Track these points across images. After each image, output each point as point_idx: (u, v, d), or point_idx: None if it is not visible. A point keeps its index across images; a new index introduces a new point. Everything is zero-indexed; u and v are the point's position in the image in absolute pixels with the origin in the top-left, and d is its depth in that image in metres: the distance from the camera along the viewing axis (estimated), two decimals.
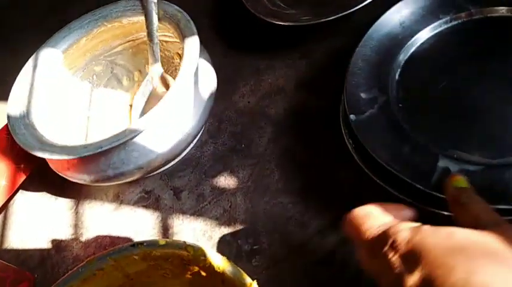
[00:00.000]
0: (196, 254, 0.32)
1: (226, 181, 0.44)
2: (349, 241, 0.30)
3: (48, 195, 0.50)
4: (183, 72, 0.41)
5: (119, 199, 0.47)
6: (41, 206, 0.50)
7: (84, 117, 0.52)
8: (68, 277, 0.34)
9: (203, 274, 0.33)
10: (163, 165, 0.44)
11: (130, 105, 0.53)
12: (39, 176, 0.51)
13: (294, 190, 0.42)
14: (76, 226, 0.47)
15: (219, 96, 0.47)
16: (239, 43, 0.55)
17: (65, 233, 0.47)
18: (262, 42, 0.54)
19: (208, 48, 0.48)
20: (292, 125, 0.46)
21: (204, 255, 0.32)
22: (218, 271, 0.31)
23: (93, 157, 0.39)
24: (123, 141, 0.38)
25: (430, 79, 0.38)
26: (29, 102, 0.44)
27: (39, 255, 0.46)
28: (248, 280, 0.30)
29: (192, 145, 0.47)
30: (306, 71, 0.49)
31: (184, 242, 0.33)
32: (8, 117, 0.43)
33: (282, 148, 0.45)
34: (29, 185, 0.51)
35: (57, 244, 0.47)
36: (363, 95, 0.38)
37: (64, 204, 0.49)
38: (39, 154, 0.39)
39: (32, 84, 0.46)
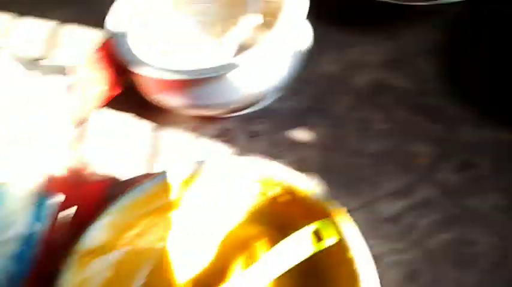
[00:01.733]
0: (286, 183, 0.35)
1: (302, 134, 0.47)
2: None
3: (132, 115, 0.54)
4: (287, 21, 0.43)
5: (198, 131, 0.51)
6: (122, 126, 0.53)
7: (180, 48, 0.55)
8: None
9: (288, 200, 0.36)
10: (245, 107, 0.47)
11: None
12: (126, 98, 0.54)
13: (369, 153, 0.44)
14: (154, 147, 0.51)
15: (306, 58, 0.50)
16: (329, 16, 0.57)
17: (141, 154, 0.50)
18: (355, 17, 0.56)
19: None
20: (372, 98, 0.48)
21: (293, 184, 0.35)
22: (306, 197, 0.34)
23: (187, 83, 0.42)
24: (219, 74, 0.41)
25: None
26: (130, 23, 0.48)
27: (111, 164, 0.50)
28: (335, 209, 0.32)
29: (274, 97, 0.50)
30: (392, 51, 0.52)
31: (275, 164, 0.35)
32: (113, 34, 0.46)
33: (360, 116, 0.47)
34: (115, 104, 0.54)
35: (134, 163, 0.50)
36: None
37: (145, 127, 0.53)
38: (138, 70, 0.42)
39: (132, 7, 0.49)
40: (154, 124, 0.52)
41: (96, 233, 0.36)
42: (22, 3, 0.74)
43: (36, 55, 0.66)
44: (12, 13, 0.75)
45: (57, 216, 0.40)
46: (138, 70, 0.42)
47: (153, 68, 0.43)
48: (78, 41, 0.64)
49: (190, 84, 0.43)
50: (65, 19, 0.69)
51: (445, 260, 0.37)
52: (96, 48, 0.46)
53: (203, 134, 0.50)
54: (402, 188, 0.41)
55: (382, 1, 0.50)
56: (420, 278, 0.36)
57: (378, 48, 0.52)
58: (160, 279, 0.39)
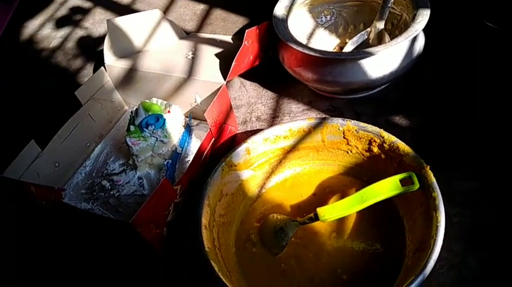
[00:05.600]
0: (386, 140, 0.46)
1: (400, 120, 0.58)
2: None
3: (262, 85, 0.68)
4: (414, 29, 0.54)
5: (311, 104, 0.64)
6: (252, 91, 0.68)
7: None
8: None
9: (382, 156, 0.47)
10: (359, 90, 0.59)
11: (341, 47, 0.69)
12: (261, 71, 0.68)
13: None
14: (274, 110, 0.64)
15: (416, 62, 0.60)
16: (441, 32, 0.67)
17: (263, 113, 0.64)
18: (462, 37, 0.65)
19: None
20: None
21: (393, 142, 0.46)
22: (398, 153, 0.45)
23: (325, 61, 0.55)
24: (355, 58, 0.53)
25: None
26: (287, 14, 0.62)
27: (243, 118, 0.64)
28: (424, 164, 0.43)
29: (382, 87, 0.61)
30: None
31: (382, 130, 0.47)
32: (274, 17, 0.61)
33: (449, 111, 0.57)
34: (252, 74, 0.69)
35: (257, 116, 0.64)
36: None
37: (269, 94, 0.67)
38: (293, 46, 0.56)
39: (290, 3, 0.64)
40: (277, 94, 0.66)
41: (239, 153, 0.50)
42: None
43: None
44: None
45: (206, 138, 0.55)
46: (290, 44, 0.56)
47: (302, 46, 0.56)
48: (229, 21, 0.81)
49: (328, 62, 0.56)
50: (216, 3, 0.87)
51: None
52: (256, 27, 0.61)
53: (316, 107, 0.63)
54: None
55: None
56: None
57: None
58: (271, 200, 0.52)
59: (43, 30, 0.96)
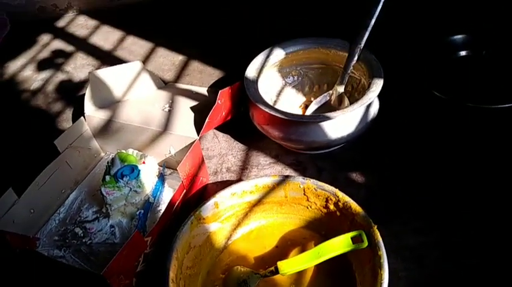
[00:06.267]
0: (340, 199, 0.51)
1: (356, 177, 0.63)
2: None
3: (233, 137, 0.73)
4: (368, 97, 0.60)
5: (277, 158, 0.69)
6: (224, 142, 0.73)
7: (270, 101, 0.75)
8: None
9: (337, 213, 0.52)
10: (318, 149, 0.64)
11: (306, 105, 0.75)
12: (233, 125, 0.73)
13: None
14: (243, 162, 0.69)
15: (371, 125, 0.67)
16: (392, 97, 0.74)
17: (233, 164, 0.69)
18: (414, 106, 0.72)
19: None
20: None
21: (346, 201, 0.51)
22: (351, 212, 0.50)
23: (290, 122, 0.61)
24: (316, 121, 0.59)
25: None
26: (258, 75, 0.68)
27: (214, 168, 0.69)
28: (372, 224, 0.48)
29: (339, 146, 0.67)
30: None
31: (337, 190, 0.52)
32: (245, 79, 0.67)
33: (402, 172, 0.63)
34: (224, 127, 0.73)
35: (227, 167, 0.69)
36: None
37: (240, 146, 0.72)
38: (262, 107, 0.61)
39: (261, 65, 0.70)
40: (246, 147, 0.71)
41: (208, 207, 0.54)
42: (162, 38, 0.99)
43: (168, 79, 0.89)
44: (152, 43, 1.00)
45: (178, 192, 0.58)
46: (259, 105, 0.62)
47: (270, 108, 0.62)
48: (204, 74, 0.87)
49: (292, 123, 0.61)
50: (194, 56, 0.93)
51: None
52: (228, 87, 0.67)
53: (282, 161, 0.68)
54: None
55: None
56: None
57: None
58: (236, 252, 0.56)
59: (24, 71, 0.99)
